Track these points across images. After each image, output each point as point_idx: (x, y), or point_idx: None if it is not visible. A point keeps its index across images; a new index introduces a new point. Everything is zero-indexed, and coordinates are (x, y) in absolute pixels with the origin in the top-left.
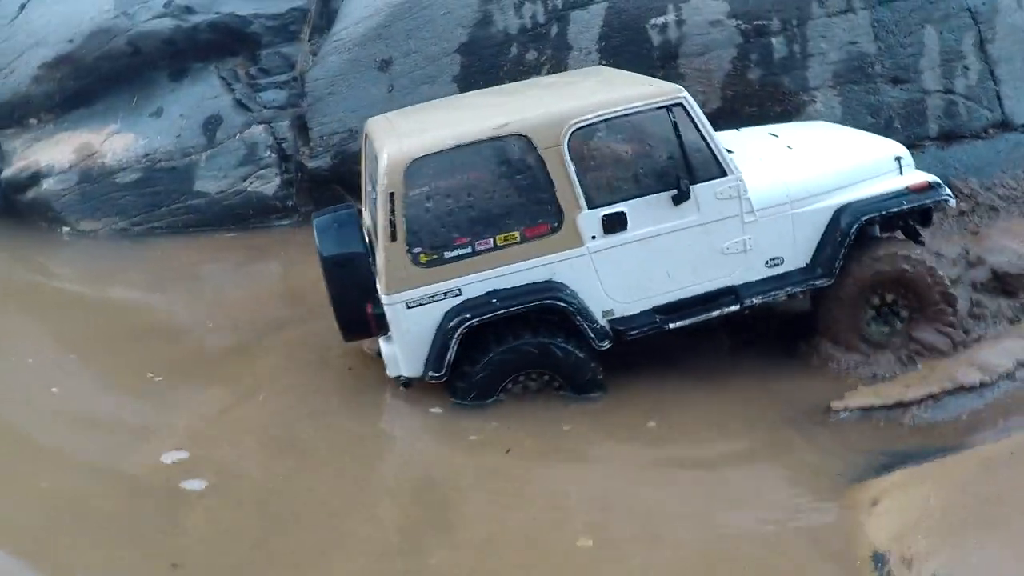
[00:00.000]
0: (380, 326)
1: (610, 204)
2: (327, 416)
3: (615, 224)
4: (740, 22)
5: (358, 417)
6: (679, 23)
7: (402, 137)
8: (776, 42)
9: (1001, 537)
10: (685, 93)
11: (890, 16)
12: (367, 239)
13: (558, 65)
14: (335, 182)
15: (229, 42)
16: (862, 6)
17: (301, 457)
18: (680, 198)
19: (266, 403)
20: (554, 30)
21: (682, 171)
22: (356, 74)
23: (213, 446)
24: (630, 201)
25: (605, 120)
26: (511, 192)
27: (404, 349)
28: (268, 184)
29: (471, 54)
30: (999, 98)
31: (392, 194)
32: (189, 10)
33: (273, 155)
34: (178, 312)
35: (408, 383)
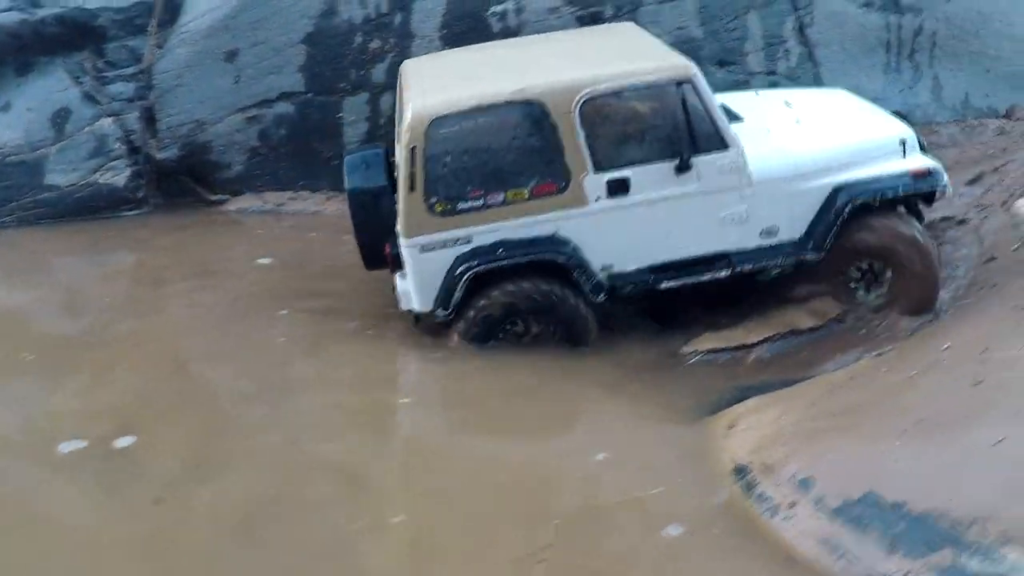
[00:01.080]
0: (396, 264)
1: (615, 169)
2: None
3: (619, 188)
4: (576, 9)
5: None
6: (518, 11)
7: (426, 94)
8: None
9: (851, 439)
10: (695, 70)
11: (716, 2)
12: (393, 177)
13: (402, 54)
14: (184, 173)
15: (76, 36)
16: None
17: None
18: (682, 168)
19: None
20: (397, 19)
21: (686, 143)
22: (203, 66)
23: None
24: (634, 167)
25: (617, 91)
26: (523, 152)
27: (417, 287)
28: (118, 176)
29: (316, 44)
30: (818, 79)
31: (413, 148)
32: (35, 3)
33: (122, 147)
34: (29, 302)
35: (418, 319)
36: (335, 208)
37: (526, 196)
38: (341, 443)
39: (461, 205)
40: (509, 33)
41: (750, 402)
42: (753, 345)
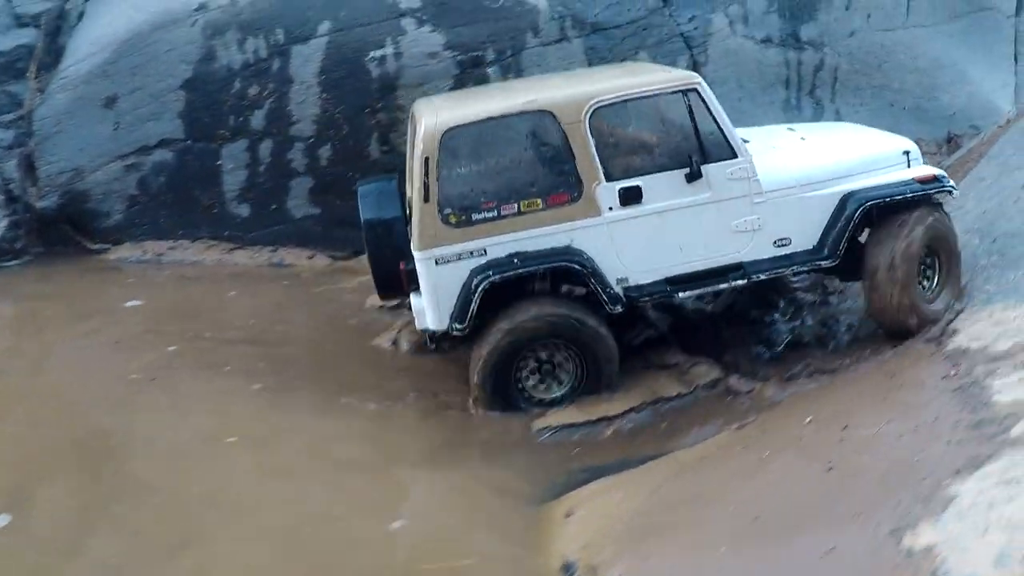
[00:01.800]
0: (411, 282)
1: (627, 178)
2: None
3: (631, 197)
4: (456, 53)
5: None
6: (397, 55)
7: (439, 111)
8: (491, 71)
9: (680, 542)
10: (699, 79)
11: (604, 43)
12: (406, 206)
13: (280, 100)
14: (64, 222)
15: None
16: (576, 34)
17: None
18: (693, 176)
19: None
20: (276, 64)
21: (695, 151)
22: (83, 112)
23: None
24: (646, 176)
25: (624, 100)
26: (536, 163)
27: (432, 303)
28: None
29: (195, 90)
30: None
31: (427, 159)
32: None
33: (0, 197)
34: None
35: (434, 339)
36: (215, 257)
37: (540, 206)
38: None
39: (475, 216)
40: (388, 80)
41: (594, 485)
42: (614, 417)
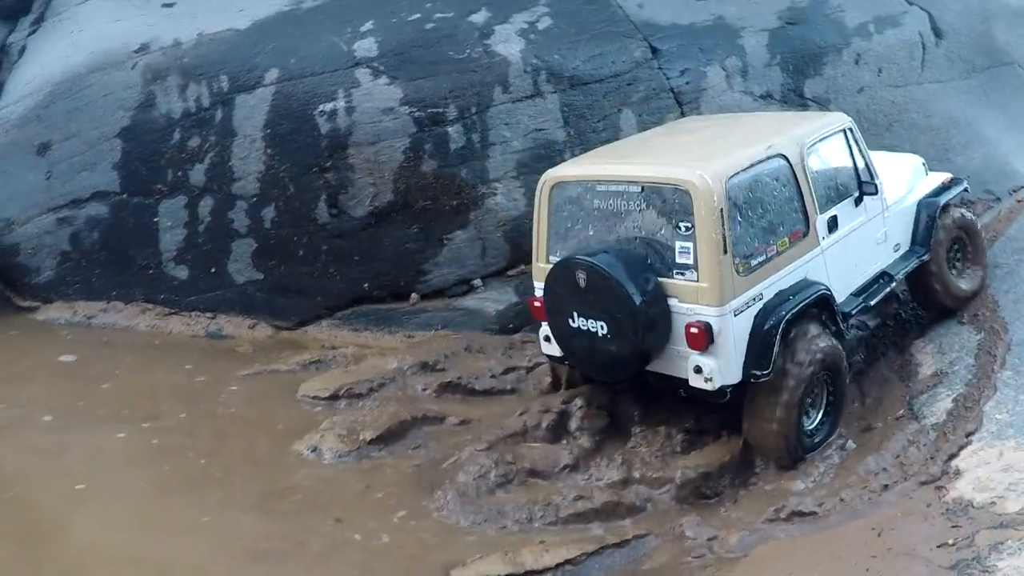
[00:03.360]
0: (707, 341)
1: (829, 208)
2: None
3: (833, 225)
4: (414, 109)
5: None
6: (349, 110)
7: (699, 163)
8: (453, 131)
9: None
10: (850, 121)
11: (582, 100)
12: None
13: (222, 154)
14: None
15: None
16: (552, 90)
17: None
18: (859, 201)
19: None
20: (219, 115)
21: (863, 185)
22: (14, 159)
23: None
24: (837, 205)
25: (821, 139)
26: (781, 203)
27: (728, 357)
28: None
29: (132, 139)
30: None
31: (722, 210)
32: None
33: None
34: None
35: (723, 394)
36: (149, 323)
37: (787, 244)
38: None
39: (754, 262)
40: (338, 136)
41: None
42: (542, 572)
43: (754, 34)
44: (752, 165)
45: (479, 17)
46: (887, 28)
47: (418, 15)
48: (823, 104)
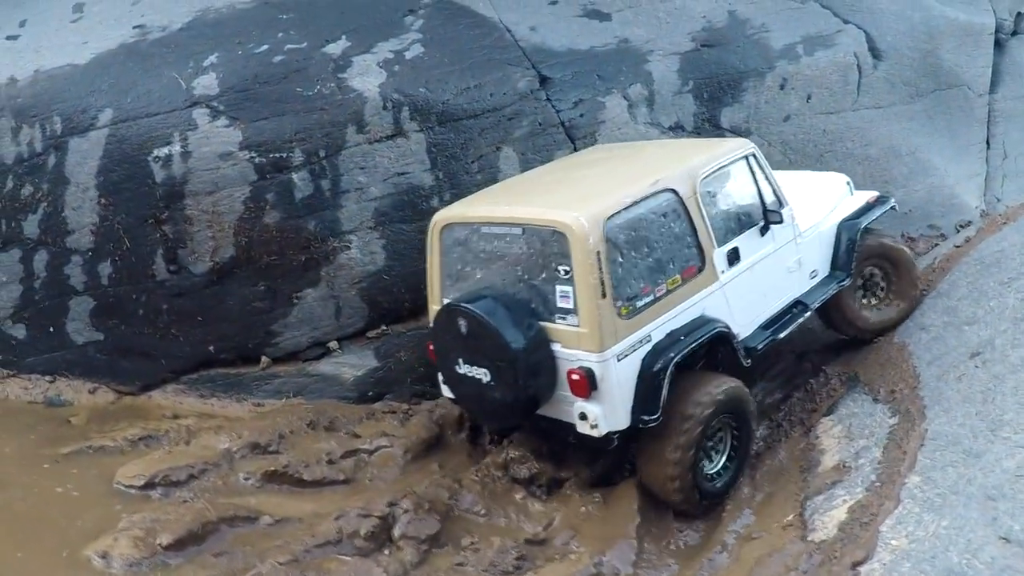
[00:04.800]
0: (589, 388)
1: (729, 240)
2: None
3: (734, 258)
4: (255, 155)
5: None
6: (185, 155)
7: (577, 203)
8: (298, 178)
9: None
10: (754, 146)
11: (454, 138)
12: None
13: (55, 203)
14: None
15: None
16: (416, 128)
17: None
18: (765, 229)
19: None
20: (51, 161)
21: (768, 213)
22: None
23: None
24: (738, 236)
25: (719, 168)
26: (669, 239)
27: (613, 402)
28: None
29: None
30: None
31: (598, 252)
32: None
33: None
34: None
35: (610, 441)
36: None
37: (679, 282)
38: None
39: (639, 303)
40: (174, 185)
41: None
42: None
43: (663, 58)
44: (635, 203)
45: (336, 48)
46: (818, 49)
47: (267, 47)
48: (743, 135)
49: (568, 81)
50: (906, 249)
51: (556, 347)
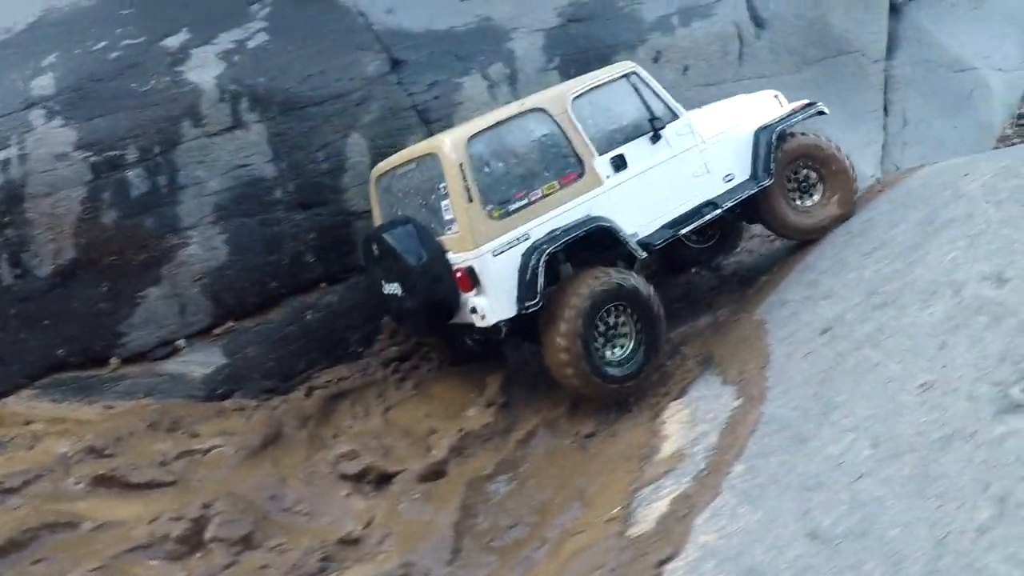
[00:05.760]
0: (471, 283)
1: (614, 149)
2: None
3: (620, 164)
4: (90, 154)
5: None
6: (23, 158)
7: (450, 132)
8: (133, 175)
9: None
10: (636, 66)
11: (297, 127)
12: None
13: None
14: None
15: None
16: (257, 119)
17: None
18: (655, 138)
19: None
20: None
21: (653, 121)
22: None
23: None
24: (624, 145)
25: (593, 89)
26: (543, 152)
27: (498, 293)
28: None
29: None
30: None
31: (461, 164)
32: None
33: None
34: None
35: (499, 331)
36: None
37: (557, 187)
38: None
39: (511, 207)
40: (14, 189)
41: None
42: None
43: (527, 35)
44: (498, 124)
45: (175, 41)
46: (695, 20)
47: (104, 43)
48: None
49: (424, 63)
50: (834, 149)
51: (449, 255)
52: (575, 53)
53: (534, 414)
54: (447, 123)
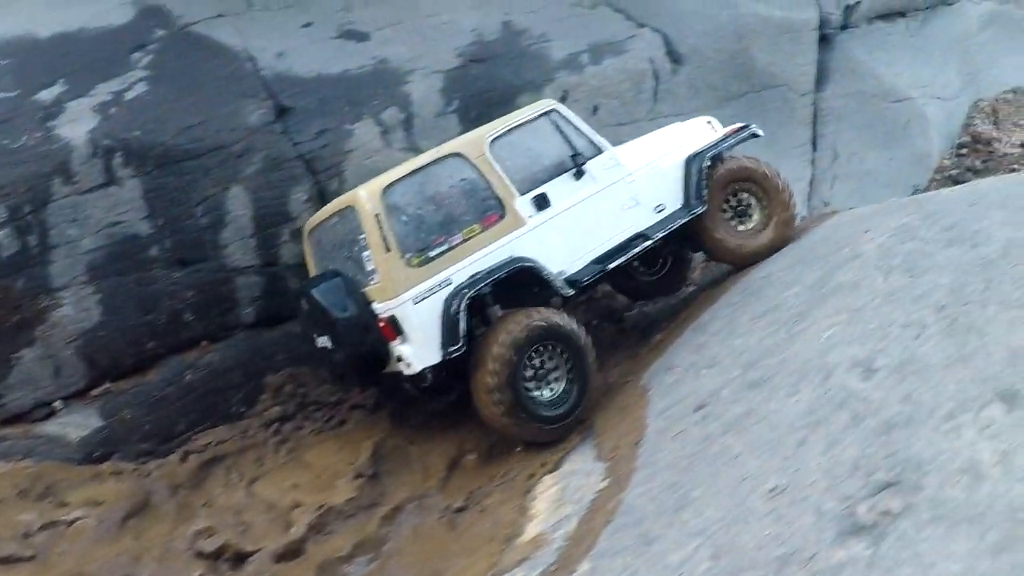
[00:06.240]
0: (394, 332)
1: (536, 188)
2: None
3: (542, 203)
4: None
5: None
6: None
7: (370, 182)
8: (3, 235)
9: None
10: (555, 103)
11: (175, 182)
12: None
13: None
14: None
15: None
16: (131, 174)
17: None
18: (578, 174)
19: None
20: None
21: (575, 157)
22: None
23: None
24: (547, 184)
25: (512, 129)
26: (462, 195)
27: (421, 339)
28: None
29: None
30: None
31: (377, 215)
32: None
33: None
34: None
35: (424, 381)
36: None
37: (479, 230)
38: None
39: (431, 253)
40: None
41: None
42: None
43: (425, 77)
44: (414, 172)
45: (49, 94)
46: (606, 57)
47: None
48: None
49: (312, 110)
50: (767, 170)
51: (375, 305)
52: (476, 95)
53: (404, 486)
54: (336, 172)
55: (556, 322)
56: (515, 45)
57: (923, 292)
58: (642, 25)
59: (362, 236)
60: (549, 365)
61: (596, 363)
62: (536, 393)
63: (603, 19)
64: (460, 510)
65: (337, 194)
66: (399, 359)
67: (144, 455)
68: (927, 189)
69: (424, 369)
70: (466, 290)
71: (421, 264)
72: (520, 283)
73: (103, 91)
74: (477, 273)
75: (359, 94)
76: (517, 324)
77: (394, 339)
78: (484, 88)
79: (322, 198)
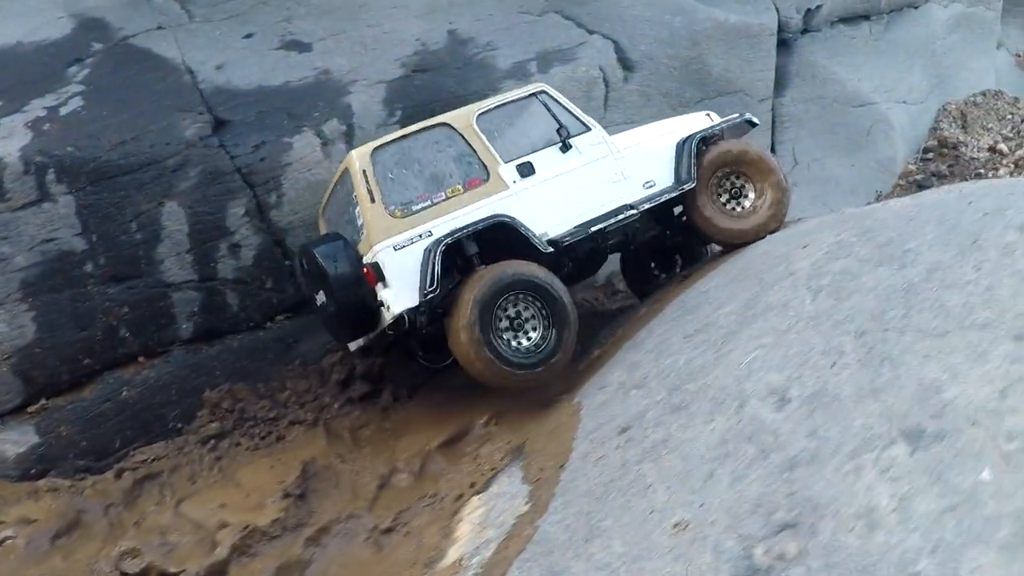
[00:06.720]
0: (377, 277)
1: (520, 157)
2: None
3: (527, 171)
4: None
5: None
6: None
7: (363, 146)
8: None
9: None
10: (545, 86)
11: (108, 198)
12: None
13: None
14: None
15: None
16: (64, 191)
17: None
18: (565, 148)
19: None
20: None
21: (559, 130)
22: None
23: None
24: (532, 154)
25: (500, 107)
26: (448, 160)
27: (401, 284)
28: None
29: None
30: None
31: (364, 171)
32: None
33: None
34: None
35: (403, 325)
36: None
37: (461, 191)
38: None
39: (414, 207)
40: None
41: None
42: None
43: (367, 88)
44: (403, 137)
45: None
46: (555, 65)
47: None
48: None
49: (251, 123)
50: (759, 153)
51: (365, 259)
52: (420, 105)
53: (333, 506)
54: (275, 186)
55: (530, 272)
56: (460, 54)
57: (846, 316)
58: (592, 32)
59: (355, 195)
60: (526, 315)
61: (575, 313)
62: (514, 342)
63: (552, 27)
64: (387, 531)
65: (276, 208)
66: (381, 303)
67: (81, 471)
68: (891, 195)
69: (403, 312)
70: (445, 237)
71: (404, 216)
72: (504, 244)
73: (37, 106)
74: (456, 227)
75: (299, 106)
76: (491, 273)
77: (376, 284)
78: (428, 98)
79: (260, 212)
